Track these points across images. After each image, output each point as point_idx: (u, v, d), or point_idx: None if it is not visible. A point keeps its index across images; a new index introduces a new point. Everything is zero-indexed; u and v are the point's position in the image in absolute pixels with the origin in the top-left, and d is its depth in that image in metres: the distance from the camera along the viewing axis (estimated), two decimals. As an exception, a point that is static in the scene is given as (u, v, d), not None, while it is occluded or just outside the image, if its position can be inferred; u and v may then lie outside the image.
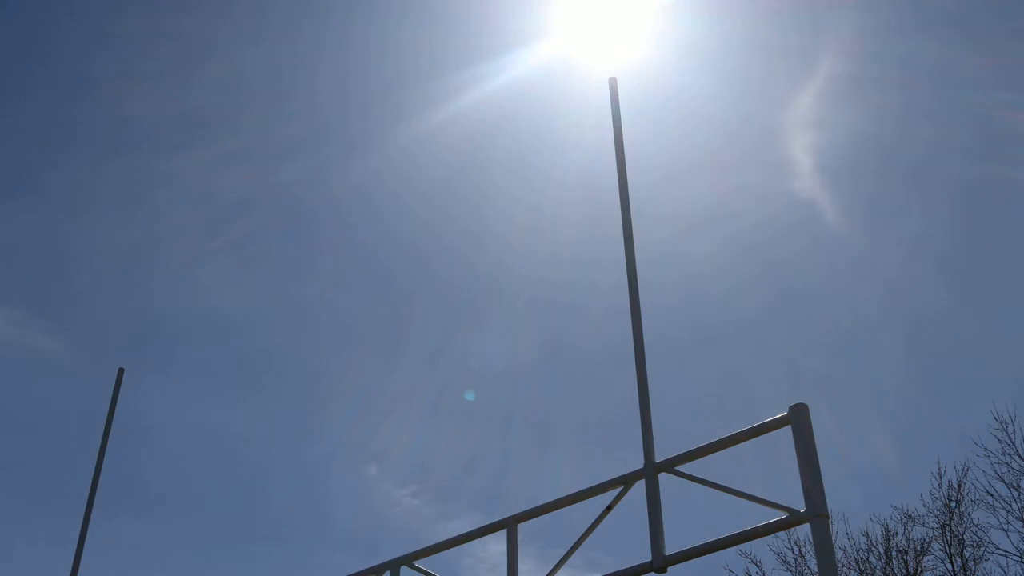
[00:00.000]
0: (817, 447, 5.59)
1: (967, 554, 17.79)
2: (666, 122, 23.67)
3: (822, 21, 25.26)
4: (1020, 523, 17.04)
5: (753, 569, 19.31)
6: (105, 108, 28.91)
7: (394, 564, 7.71)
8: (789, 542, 19.16)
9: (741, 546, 12.29)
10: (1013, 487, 17.25)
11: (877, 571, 18.54)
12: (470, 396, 24.61)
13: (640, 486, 6.35)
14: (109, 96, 28.50)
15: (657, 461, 6.34)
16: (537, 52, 23.31)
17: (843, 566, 18.67)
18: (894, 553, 18.49)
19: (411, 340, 27.95)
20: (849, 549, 18.92)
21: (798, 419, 5.69)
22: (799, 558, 19.02)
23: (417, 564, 7.60)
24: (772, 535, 9.15)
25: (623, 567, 6.16)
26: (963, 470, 18.08)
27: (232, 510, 27.83)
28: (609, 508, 6.54)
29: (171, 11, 27.87)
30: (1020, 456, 17.29)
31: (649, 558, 6.01)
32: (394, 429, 26.38)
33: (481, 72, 23.93)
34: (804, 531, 18.00)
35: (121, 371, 10.91)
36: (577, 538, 6.57)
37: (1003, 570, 17.16)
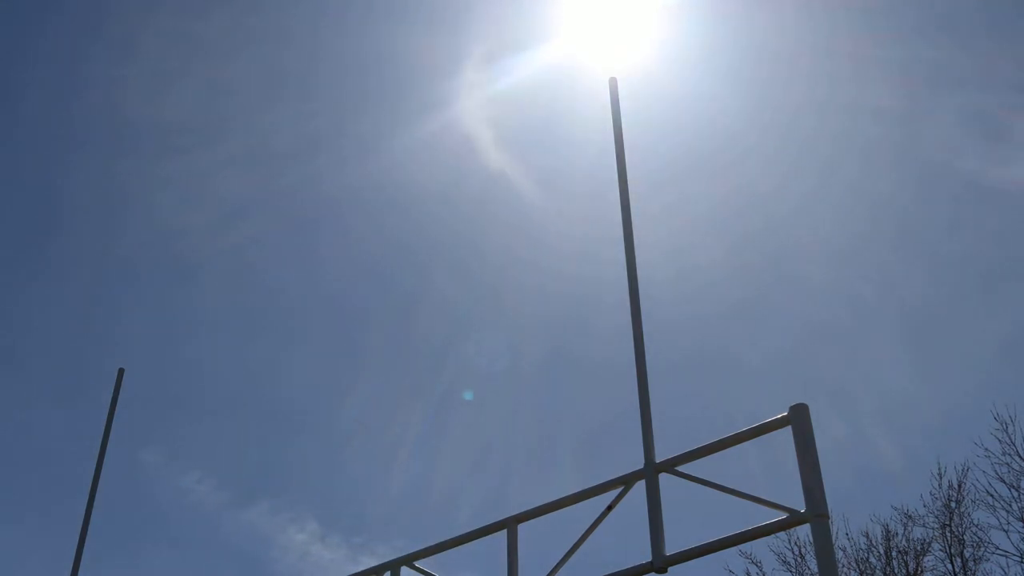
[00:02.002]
0: (818, 447, 5.59)
1: (967, 554, 17.80)
2: (671, 124, 23.70)
3: (824, 23, 25.27)
4: (1020, 523, 17.06)
5: (753, 569, 19.32)
6: (104, 110, 28.93)
7: (394, 564, 7.71)
8: (789, 542, 19.18)
9: (741, 546, 12.30)
10: (1013, 487, 17.26)
11: (877, 571, 18.54)
12: (468, 396, 24.64)
13: (640, 486, 6.35)
14: (109, 99, 28.53)
15: (657, 461, 6.34)
16: (541, 55, 23.29)
17: (843, 566, 18.67)
18: (894, 553, 18.50)
19: (413, 343, 27.96)
20: (849, 549, 18.94)
21: (798, 419, 5.69)
22: (799, 558, 19.04)
23: (417, 564, 7.60)
24: (772, 535, 9.15)
25: (623, 567, 6.16)
26: (963, 470, 18.10)
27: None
28: (609, 508, 6.54)
29: (172, 14, 27.88)
30: (1020, 456, 17.30)
31: (649, 558, 6.01)
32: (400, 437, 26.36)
33: (484, 75, 23.93)
34: (804, 531, 18.01)
35: (121, 371, 10.91)
36: (577, 538, 6.58)
37: (1003, 570, 17.18)
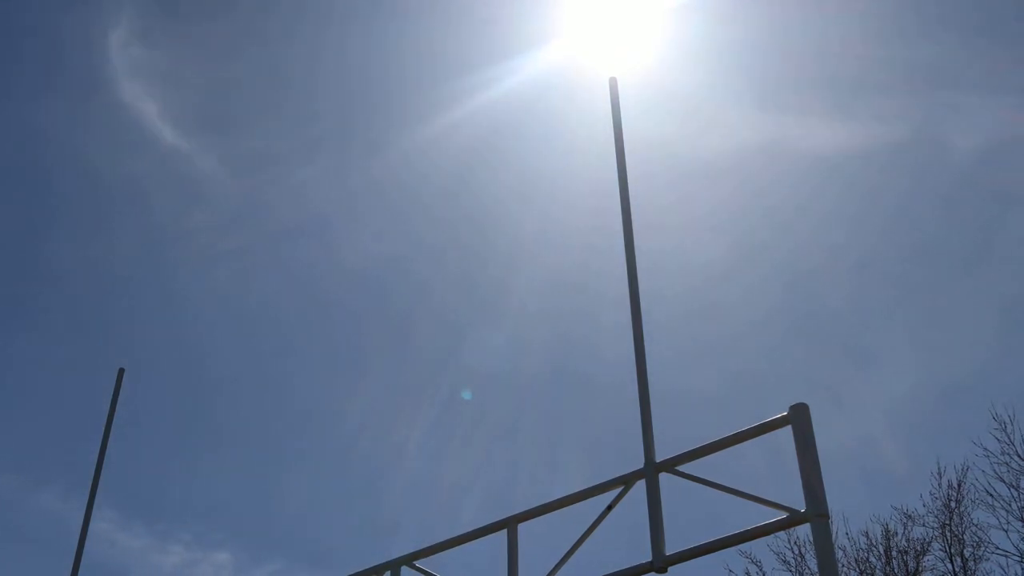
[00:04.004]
0: (818, 447, 5.60)
1: (967, 554, 17.80)
2: (675, 126, 23.70)
3: (827, 24, 25.28)
4: (1020, 523, 17.06)
5: (753, 569, 19.32)
6: (113, 112, 28.94)
7: (394, 564, 7.71)
8: (789, 542, 19.18)
9: (741, 546, 12.30)
10: (1013, 487, 17.26)
11: (877, 571, 18.54)
12: (467, 395, 24.63)
13: (640, 486, 6.35)
14: (118, 100, 28.55)
15: (657, 461, 6.34)
16: (544, 56, 23.26)
17: (843, 566, 18.67)
18: (894, 553, 18.50)
19: (415, 344, 27.95)
20: (849, 549, 18.94)
21: (798, 419, 5.69)
22: (799, 558, 19.04)
23: (417, 564, 7.60)
24: (772, 535, 9.16)
25: (623, 567, 6.17)
26: (963, 470, 18.11)
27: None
28: (609, 508, 6.55)
29: (178, 15, 27.90)
30: (1020, 456, 17.30)
31: (649, 558, 6.01)
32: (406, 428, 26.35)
33: (487, 77, 23.93)
34: (804, 531, 18.02)
35: (121, 371, 10.92)
36: (577, 538, 6.58)
37: (1003, 570, 17.18)
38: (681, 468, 6.24)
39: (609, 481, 6.58)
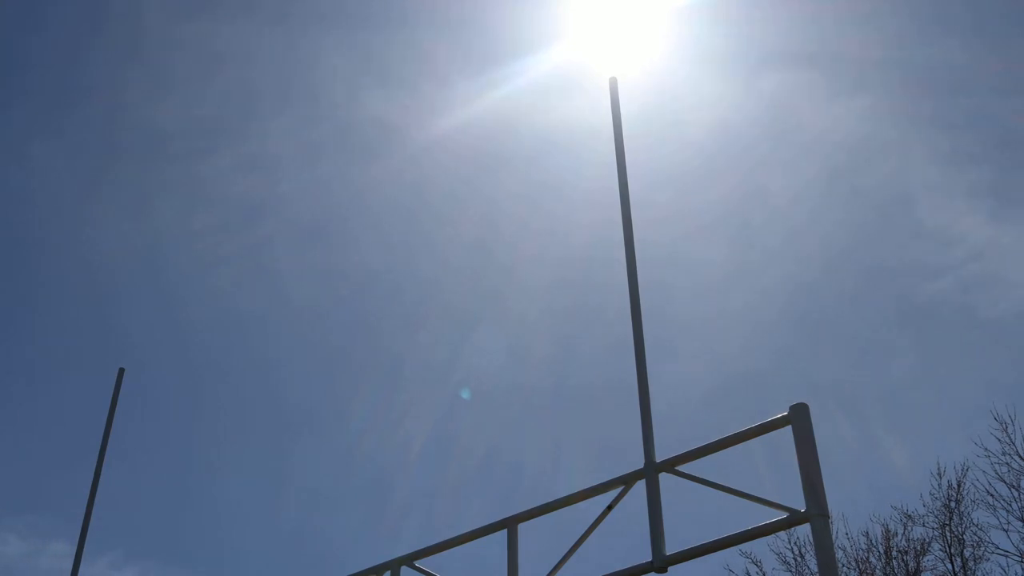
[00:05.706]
0: (819, 447, 5.59)
1: (967, 554, 17.80)
2: (678, 126, 23.70)
3: (828, 26, 25.28)
4: (1020, 523, 17.06)
5: (753, 569, 19.32)
6: (106, 114, 28.94)
7: (394, 564, 7.71)
8: (789, 542, 19.18)
9: (741, 546, 12.29)
10: (1013, 487, 17.26)
11: (877, 571, 18.53)
12: (466, 395, 24.61)
13: (640, 486, 6.34)
14: (111, 102, 28.56)
15: (657, 461, 6.33)
16: (547, 58, 23.26)
17: (843, 566, 18.66)
18: (894, 553, 18.49)
19: (419, 343, 27.92)
20: (849, 549, 18.94)
21: (798, 419, 5.68)
22: (799, 558, 19.03)
23: (417, 564, 7.59)
24: (772, 535, 9.14)
25: (623, 567, 6.16)
26: (962, 470, 18.11)
27: None
28: (609, 508, 6.54)
29: (188, 19, 27.91)
30: (1020, 456, 17.30)
31: (649, 558, 6.01)
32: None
33: (490, 79, 23.92)
34: (804, 531, 18.01)
35: (121, 371, 10.91)
36: (577, 538, 6.57)
37: (1003, 570, 17.18)
38: (681, 468, 6.24)
39: (609, 481, 6.57)
